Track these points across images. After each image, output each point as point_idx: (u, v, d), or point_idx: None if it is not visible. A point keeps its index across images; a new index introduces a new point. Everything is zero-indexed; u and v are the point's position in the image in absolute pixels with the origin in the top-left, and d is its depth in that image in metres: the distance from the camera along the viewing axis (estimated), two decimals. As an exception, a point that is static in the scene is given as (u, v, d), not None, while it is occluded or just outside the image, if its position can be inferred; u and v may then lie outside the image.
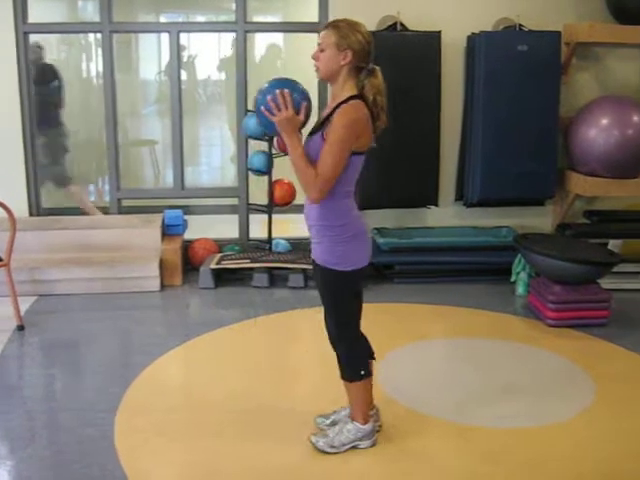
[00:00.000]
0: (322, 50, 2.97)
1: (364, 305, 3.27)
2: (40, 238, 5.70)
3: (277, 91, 2.94)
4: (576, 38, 5.79)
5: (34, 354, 4.57)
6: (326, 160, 2.89)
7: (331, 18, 5.83)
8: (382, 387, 3.94)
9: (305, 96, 3.03)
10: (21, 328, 4.79)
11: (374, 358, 3.38)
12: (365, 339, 3.31)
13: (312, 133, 3.05)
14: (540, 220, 6.27)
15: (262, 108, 3.00)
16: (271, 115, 2.96)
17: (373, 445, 3.35)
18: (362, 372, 3.23)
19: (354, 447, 3.31)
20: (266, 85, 3.06)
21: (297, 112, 2.97)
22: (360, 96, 2.97)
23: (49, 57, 6.73)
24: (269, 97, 2.95)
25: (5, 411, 3.73)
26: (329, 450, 3.29)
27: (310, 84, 6.00)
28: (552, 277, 4.94)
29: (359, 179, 3.10)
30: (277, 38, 8.30)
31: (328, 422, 3.46)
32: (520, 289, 5.54)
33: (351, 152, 2.93)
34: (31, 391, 4.03)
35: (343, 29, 2.95)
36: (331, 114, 2.95)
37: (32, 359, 4.51)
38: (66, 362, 4.42)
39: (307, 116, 3.03)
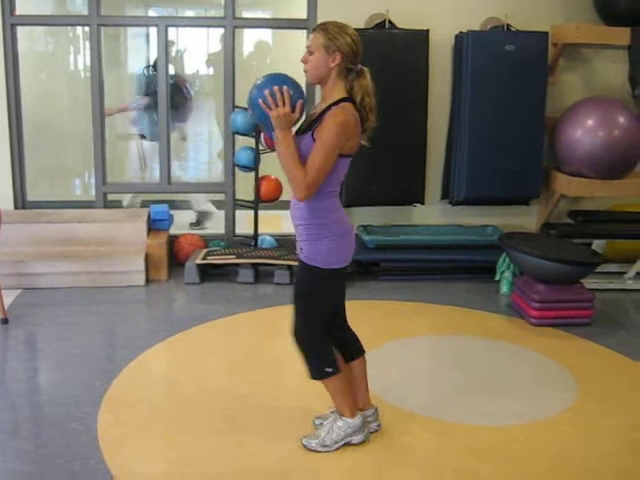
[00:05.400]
0: (311, 53, 2.96)
1: (349, 302, 3.29)
2: (25, 231, 5.68)
3: (275, 87, 2.89)
4: (563, 39, 5.83)
5: (18, 347, 4.56)
6: (316, 160, 2.89)
7: (320, 15, 5.84)
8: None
9: (301, 94, 2.97)
10: (5, 321, 4.78)
11: (362, 354, 3.40)
12: (334, 338, 3.25)
13: (300, 132, 3.04)
14: (525, 219, 6.32)
15: (260, 101, 2.91)
16: (268, 109, 2.90)
17: (365, 439, 3.33)
18: (328, 369, 3.18)
19: (347, 444, 3.30)
20: (262, 80, 2.99)
21: (293, 109, 2.93)
22: (350, 98, 2.97)
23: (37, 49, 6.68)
24: (267, 91, 2.89)
25: (-12, 404, 3.72)
26: (322, 449, 3.27)
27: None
28: (536, 276, 4.97)
29: (346, 177, 3.11)
30: (266, 34, 8.30)
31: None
32: (504, 288, 5.57)
33: (339, 154, 2.93)
34: (15, 384, 4.02)
35: (331, 31, 2.93)
36: (321, 115, 2.95)
37: (16, 352, 4.49)
38: (50, 356, 4.41)
39: (301, 114, 2.99)
